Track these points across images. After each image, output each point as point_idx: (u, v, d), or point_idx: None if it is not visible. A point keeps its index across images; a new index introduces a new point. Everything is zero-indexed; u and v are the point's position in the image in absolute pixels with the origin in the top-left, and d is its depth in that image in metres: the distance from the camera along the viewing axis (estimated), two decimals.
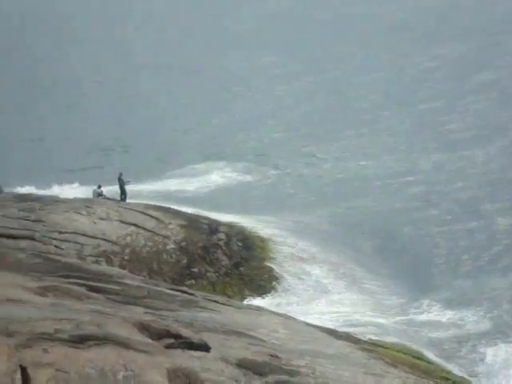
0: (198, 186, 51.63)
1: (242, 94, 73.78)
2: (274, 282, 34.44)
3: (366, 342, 24.07)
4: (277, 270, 35.19)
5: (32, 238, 33.38)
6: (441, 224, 41.93)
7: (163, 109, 69.40)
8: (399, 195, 46.76)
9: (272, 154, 57.29)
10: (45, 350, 11.83)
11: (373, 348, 22.37)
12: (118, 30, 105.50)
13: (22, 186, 47.86)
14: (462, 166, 50.44)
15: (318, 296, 33.64)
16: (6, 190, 42.04)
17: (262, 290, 34.04)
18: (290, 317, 24.98)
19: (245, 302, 30.61)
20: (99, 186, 40.98)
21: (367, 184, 49.15)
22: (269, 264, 35.56)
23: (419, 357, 25.07)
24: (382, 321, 30.86)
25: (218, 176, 53.35)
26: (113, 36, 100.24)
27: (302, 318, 26.15)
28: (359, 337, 25.15)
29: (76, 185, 50.12)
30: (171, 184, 51.85)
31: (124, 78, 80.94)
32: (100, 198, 40.23)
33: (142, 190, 48.96)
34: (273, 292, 33.79)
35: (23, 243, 32.75)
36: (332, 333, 23.06)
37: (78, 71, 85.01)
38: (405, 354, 24.46)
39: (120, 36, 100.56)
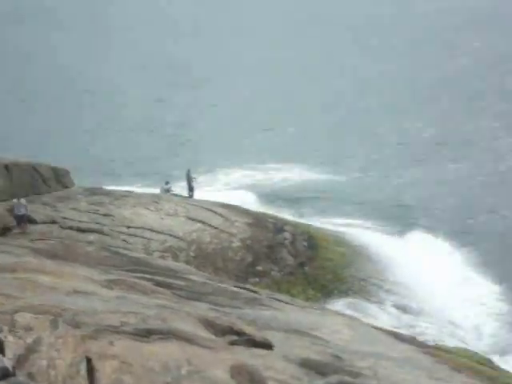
0: (276, 181, 51.62)
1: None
2: (338, 283, 34.33)
3: (430, 346, 23.80)
4: (341, 271, 35.06)
5: (101, 232, 33.87)
6: None
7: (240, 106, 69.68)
8: None
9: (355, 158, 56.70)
10: (110, 343, 11.98)
11: (437, 352, 22.11)
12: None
13: (92, 182, 48.55)
14: None
15: (386, 300, 33.43)
16: (76, 182, 42.63)
17: (326, 290, 33.96)
18: (355, 318, 24.83)
19: (309, 302, 30.56)
20: (167, 183, 41.34)
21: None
22: (333, 264, 35.45)
23: (484, 363, 24.71)
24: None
25: (295, 174, 53.21)
26: None
27: (366, 320, 25.98)
28: (424, 341, 24.90)
29: (142, 179, 50.76)
30: (249, 176, 52.13)
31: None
32: (168, 194, 40.61)
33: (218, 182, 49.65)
34: (337, 292, 33.68)
35: (92, 236, 33.27)
36: (396, 336, 22.86)
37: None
38: (470, 359, 24.15)
39: None
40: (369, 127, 62.64)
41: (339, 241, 37.77)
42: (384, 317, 31.85)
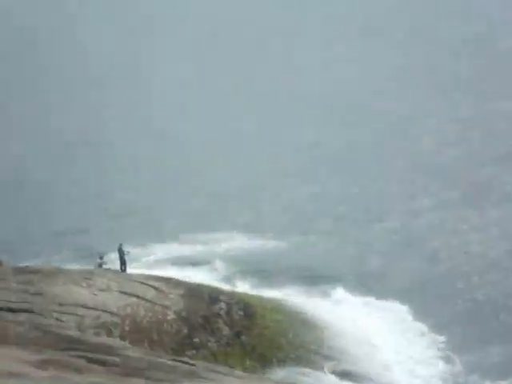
0: (215, 252, 51.18)
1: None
2: (275, 351, 34.10)
3: None
4: (279, 339, 34.86)
5: (31, 311, 33.12)
6: None
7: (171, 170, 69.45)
8: None
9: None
10: None
11: None
12: None
13: (20, 258, 47.74)
14: None
15: (323, 365, 33.30)
16: (3, 260, 41.67)
17: (264, 359, 33.70)
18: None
19: (247, 372, 30.25)
20: (101, 257, 40.83)
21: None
22: (270, 332, 35.25)
23: None
24: None
25: (232, 244, 52.78)
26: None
27: None
28: None
29: (72, 254, 50.16)
30: (185, 249, 51.54)
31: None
32: (101, 268, 40.11)
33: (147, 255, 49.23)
34: (275, 361, 33.43)
35: (22, 316, 32.48)
36: None
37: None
38: None
39: None
40: (287, 194, 62.93)
41: (276, 308, 37.65)
42: (323, 383, 31.69)
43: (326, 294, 42.15)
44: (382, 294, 41.24)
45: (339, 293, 41.89)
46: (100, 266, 40.41)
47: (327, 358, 34.17)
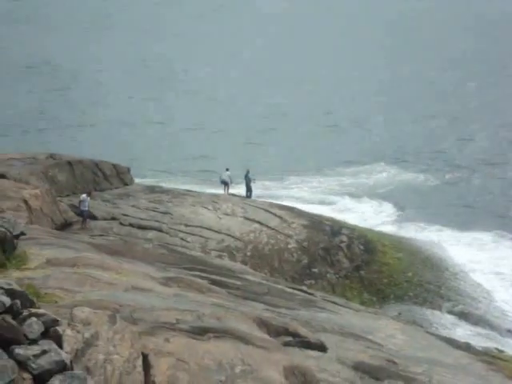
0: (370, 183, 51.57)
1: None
2: (394, 288, 34.19)
3: (485, 353, 23.58)
4: (398, 276, 34.91)
5: (159, 230, 34.27)
6: None
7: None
8: None
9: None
10: (166, 339, 12.18)
11: (493, 360, 21.90)
12: None
13: (151, 177, 49.29)
14: None
15: (442, 306, 33.17)
16: (136, 179, 43.03)
17: (382, 294, 33.86)
18: (410, 323, 24.74)
19: (364, 306, 30.50)
20: (227, 169, 41.27)
21: None
22: (390, 268, 35.31)
23: None
24: None
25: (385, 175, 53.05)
26: None
27: (421, 325, 25.84)
28: (479, 348, 24.68)
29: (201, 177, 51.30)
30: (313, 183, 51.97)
31: None
32: (224, 180, 40.58)
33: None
34: (393, 297, 33.56)
35: (151, 234, 33.69)
36: (451, 342, 22.73)
37: None
38: None
39: None
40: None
41: (397, 246, 37.57)
42: (439, 323, 31.63)
43: (448, 235, 41.80)
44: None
45: (459, 235, 41.52)
46: (225, 182, 40.67)
47: (445, 298, 34.02)
